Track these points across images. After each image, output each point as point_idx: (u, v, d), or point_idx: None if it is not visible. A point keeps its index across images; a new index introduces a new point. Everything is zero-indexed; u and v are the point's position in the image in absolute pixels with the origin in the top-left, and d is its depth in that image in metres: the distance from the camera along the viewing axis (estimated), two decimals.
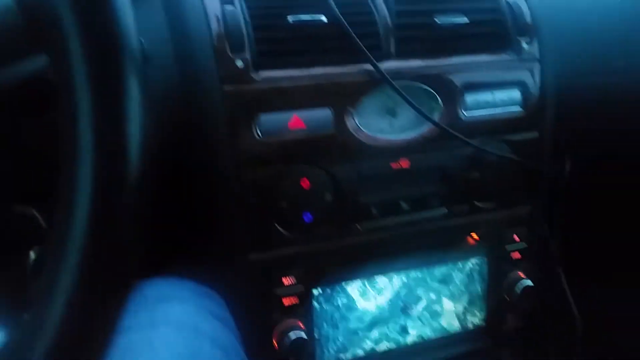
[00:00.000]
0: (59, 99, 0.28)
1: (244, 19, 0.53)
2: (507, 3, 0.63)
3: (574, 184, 0.72)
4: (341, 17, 0.54)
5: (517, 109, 0.64)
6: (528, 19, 0.63)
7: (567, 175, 0.72)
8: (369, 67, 0.56)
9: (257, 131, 0.53)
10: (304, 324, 0.60)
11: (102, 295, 0.28)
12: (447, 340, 0.71)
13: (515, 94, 0.63)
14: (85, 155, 0.27)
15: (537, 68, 0.64)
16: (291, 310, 0.60)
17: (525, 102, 0.64)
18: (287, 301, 0.59)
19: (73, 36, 0.26)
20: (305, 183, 0.57)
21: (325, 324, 0.63)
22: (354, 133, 0.57)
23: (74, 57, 0.26)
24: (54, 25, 0.26)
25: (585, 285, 0.75)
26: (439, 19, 0.58)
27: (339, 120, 0.56)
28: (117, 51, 0.27)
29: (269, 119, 0.54)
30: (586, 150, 0.73)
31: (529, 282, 0.69)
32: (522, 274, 0.70)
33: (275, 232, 0.57)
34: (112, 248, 0.28)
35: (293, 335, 0.58)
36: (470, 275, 0.69)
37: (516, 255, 0.70)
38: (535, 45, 0.64)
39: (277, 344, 0.59)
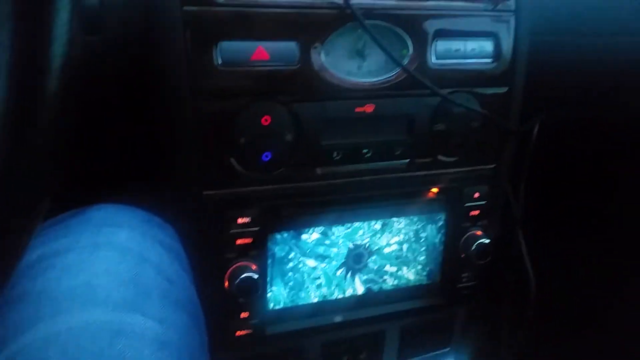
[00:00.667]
0: None
1: None
2: None
3: (541, 145, 0.71)
4: None
5: (488, 61, 0.62)
6: None
7: (535, 136, 0.71)
8: (339, 1, 0.53)
9: (217, 59, 0.51)
10: (256, 265, 0.59)
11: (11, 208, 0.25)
12: (401, 294, 0.70)
13: (488, 45, 0.62)
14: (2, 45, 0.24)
15: (512, 21, 0.62)
16: (244, 251, 0.58)
17: (497, 55, 0.62)
18: (240, 241, 0.58)
19: None
20: (265, 120, 0.55)
21: (278, 268, 0.62)
22: (319, 71, 0.55)
23: None
24: None
25: (542, 247, 0.75)
26: None
27: (305, 55, 0.54)
28: None
29: (230, 47, 0.51)
30: (556, 112, 0.73)
31: (486, 240, 0.69)
32: (479, 232, 0.70)
33: (232, 170, 0.56)
34: (26, 156, 0.26)
35: (243, 275, 0.57)
36: (428, 230, 0.69)
37: (475, 212, 0.70)
38: None
39: (227, 282, 0.58)
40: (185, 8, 0.49)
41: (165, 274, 0.45)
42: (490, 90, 0.64)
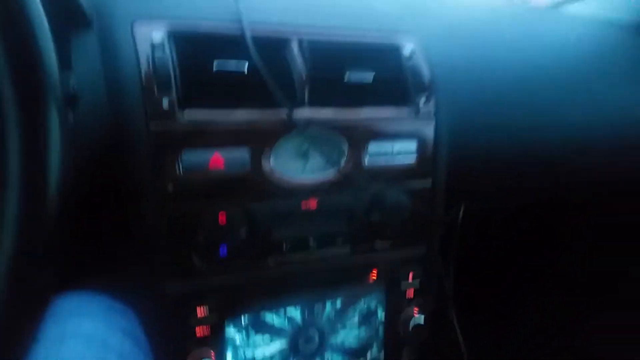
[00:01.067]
0: None
1: (172, 62, 0.57)
2: (410, 63, 0.71)
3: (468, 226, 0.80)
4: (262, 66, 0.60)
5: (412, 159, 0.71)
6: (427, 78, 0.72)
7: (460, 221, 0.80)
8: (284, 113, 0.61)
9: (179, 167, 0.57)
10: (215, 354, 0.63)
11: (20, 310, 0.31)
12: None
13: (412, 145, 0.71)
14: (12, 180, 0.31)
15: (432, 123, 0.72)
16: (203, 340, 0.62)
17: (420, 153, 0.71)
18: (200, 331, 0.62)
19: (4, 81, 0.31)
20: (222, 218, 0.61)
21: (236, 354, 0.66)
22: (268, 174, 0.62)
23: (6, 102, 0.31)
24: None
25: (474, 321, 0.83)
26: (347, 75, 0.65)
27: (256, 160, 0.61)
28: (40, 95, 0.32)
29: (191, 156, 0.57)
30: (478, 198, 0.82)
31: (421, 320, 0.76)
32: (415, 311, 0.77)
33: (192, 264, 0.60)
34: (33, 264, 0.31)
35: None
36: (369, 311, 0.75)
37: (410, 292, 0.77)
38: (432, 102, 0.72)
39: None
40: (151, 124, 0.56)
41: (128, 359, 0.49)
42: (416, 184, 0.72)
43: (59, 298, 0.52)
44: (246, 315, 0.66)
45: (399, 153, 0.70)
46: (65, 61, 0.52)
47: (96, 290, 0.55)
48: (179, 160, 0.57)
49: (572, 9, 0.94)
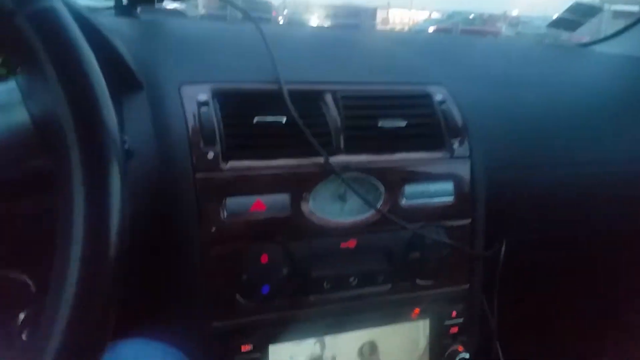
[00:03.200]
0: (58, 188, 0.37)
1: (216, 117, 0.63)
2: (441, 109, 0.74)
3: (509, 262, 0.81)
4: (298, 118, 0.64)
5: (450, 199, 0.73)
6: (459, 121, 0.75)
7: (503, 257, 0.81)
8: (321, 160, 0.66)
9: (223, 213, 0.62)
10: None
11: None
12: None
13: (449, 186, 0.73)
14: (76, 237, 0.36)
15: (467, 164, 0.74)
16: None
17: (457, 193, 0.74)
18: None
19: (73, 148, 0.36)
20: (264, 258, 0.65)
21: None
22: (307, 216, 0.66)
23: (73, 163, 0.36)
24: (59, 138, 0.36)
25: (519, 357, 0.83)
26: (381, 122, 0.69)
27: (295, 204, 0.65)
28: (104, 157, 0.37)
29: (234, 202, 0.62)
30: (520, 234, 0.83)
31: (466, 355, 0.77)
32: (460, 348, 0.78)
33: (236, 303, 0.65)
34: (93, 319, 0.36)
35: None
36: (412, 349, 0.76)
37: (454, 330, 0.78)
38: (466, 144, 0.75)
39: None
40: (197, 174, 0.61)
41: None
42: (455, 223, 0.74)
43: (118, 346, 0.56)
44: (289, 352, 0.69)
45: (436, 194, 0.72)
46: (119, 121, 0.58)
47: (148, 336, 0.60)
48: (223, 205, 0.62)
49: (601, 47, 0.94)
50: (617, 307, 1.02)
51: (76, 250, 0.36)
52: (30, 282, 0.50)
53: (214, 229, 0.62)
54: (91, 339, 0.37)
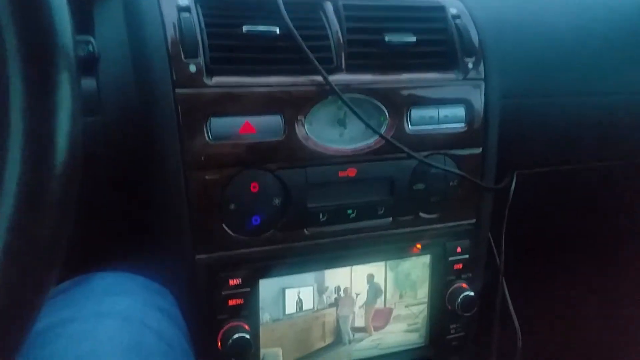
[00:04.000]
0: None
1: (200, 26, 0.55)
2: (455, 24, 0.66)
3: (519, 197, 0.75)
4: (294, 29, 0.57)
5: (460, 125, 0.67)
6: (475, 40, 0.67)
7: (512, 191, 0.75)
8: (319, 79, 0.58)
9: (208, 135, 0.55)
10: (248, 325, 0.62)
11: (23, 280, 0.29)
12: (391, 350, 0.73)
13: (460, 111, 0.66)
14: (14, 142, 0.29)
15: (481, 88, 0.67)
16: (236, 311, 0.61)
17: (469, 119, 0.67)
18: (232, 302, 0.61)
19: (9, 33, 0.28)
20: (254, 187, 0.59)
21: (270, 326, 0.65)
22: (302, 141, 0.60)
23: (9, 51, 0.29)
24: None
25: (525, 294, 0.78)
26: (388, 37, 0.61)
27: (289, 127, 0.59)
28: (49, 49, 0.29)
29: (220, 123, 0.56)
30: (531, 167, 0.77)
31: (470, 293, 0.72)
32: (464, 285, 0.73)
33: (223, 234, 0.59)
34: (36, 234, 0.29)
35: (236, 335, 0.60)
36: (413, 285, 0.72)
37: (459, 266, 0.73)
38: (481, 65, 0.67)
39: (221, 343, 0.60)
40: (178, 90, 0.54)
41: (165, 339, 0.48)
42: (464, 152, 0.68)
43: (92, 278, 0.51)
44: (281, 286, 0.64)
45: (445, 119, 0.66)
46: (86, 25, 0.50)
47: (129, 270, 0.55)
48: (208, 127, 0.55)
49: None
50: (633, 249, 0.97)
51: (13, 162, 0.29)
52: None
53: (197, 153, 0.56)
54: (31, 263, 0.30)
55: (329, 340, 0.69)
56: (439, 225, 0.71)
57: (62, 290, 0.49)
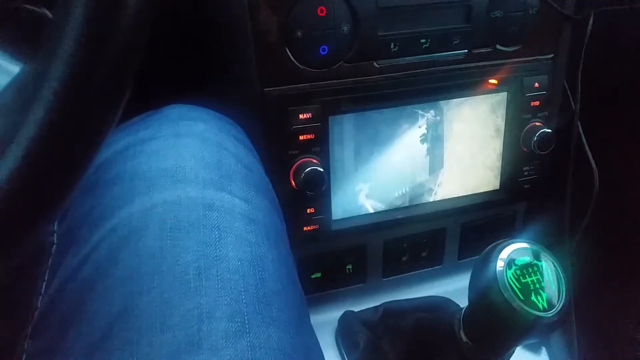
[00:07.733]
0: None
1: None
2: None
3: (597, 34, 0.69)
4: None
5: None
6: None
7: (590, 27, 0.69)
8: None
9: None
10: (319, 160, 0.60)
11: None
12: (462, 189, 0.70)
13: None
14: None
15: None
16: (307, 147, 0.59)
17: None
18: (303, 137, 0.59)
19: None
20: (321, 10, 0.54)
21: (342, 161, 0.63)
22: None
23: None
24: None
25: (602, 139, 0.74)
26: None
27: None
28: None
29: None
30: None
31: (547, 130, 0.68)
32: (539, 123, 0.69)
33: (290, 65, 0.56)
34: (109, 50, 0.26)
35: (308, 169, 0.58)
36: (488, 123, 0.68)
37: (535, 103, 0.68)
38: None
39: (293, 177, 0.59)
40: None
41: (244, 162, 0.46)
42: None
43: (165, 108, 0.49)
44: (353, 122, 0.61)
45: None
46: None
47: (200, 104, 0.52)
48: None
49: None
50: None
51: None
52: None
53: None
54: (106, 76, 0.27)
55: (408, 180, 0.67)
56: (516, 59, 0.65)
57: (136, 121, 0.48)
